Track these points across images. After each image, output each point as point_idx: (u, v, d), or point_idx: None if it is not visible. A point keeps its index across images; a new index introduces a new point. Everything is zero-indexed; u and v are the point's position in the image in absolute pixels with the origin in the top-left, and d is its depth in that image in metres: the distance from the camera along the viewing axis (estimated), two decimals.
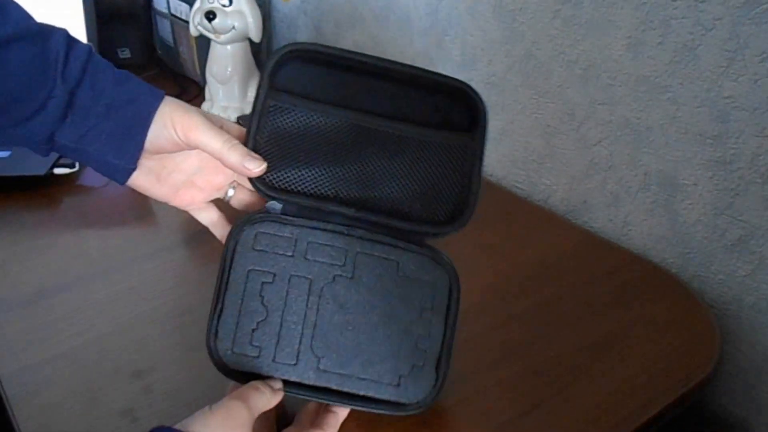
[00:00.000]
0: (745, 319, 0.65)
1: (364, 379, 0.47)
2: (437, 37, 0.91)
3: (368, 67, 0.48)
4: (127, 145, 0.46)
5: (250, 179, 0.48)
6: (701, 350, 0.59)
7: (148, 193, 0.50)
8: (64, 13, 1.04)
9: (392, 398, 0.47)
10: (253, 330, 0.47)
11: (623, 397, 0.54)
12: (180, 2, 1.09)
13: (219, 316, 0.47)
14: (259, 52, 1.12)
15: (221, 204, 0.53)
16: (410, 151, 0.49)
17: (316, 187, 0.48)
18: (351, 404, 0.47)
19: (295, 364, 0.47)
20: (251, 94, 1.05)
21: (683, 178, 0.67)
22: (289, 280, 0.47)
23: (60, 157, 0.86)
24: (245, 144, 0.48)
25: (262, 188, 0.48)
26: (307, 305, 0.47)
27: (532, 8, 0.77)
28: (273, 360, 0.47)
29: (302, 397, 0.47)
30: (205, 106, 1.06)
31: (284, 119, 0.48)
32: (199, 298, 0.60)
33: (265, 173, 0.48)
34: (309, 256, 0.48)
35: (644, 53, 0.67)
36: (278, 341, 0.47)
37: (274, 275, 0.47)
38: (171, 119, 0.46)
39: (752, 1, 0.57)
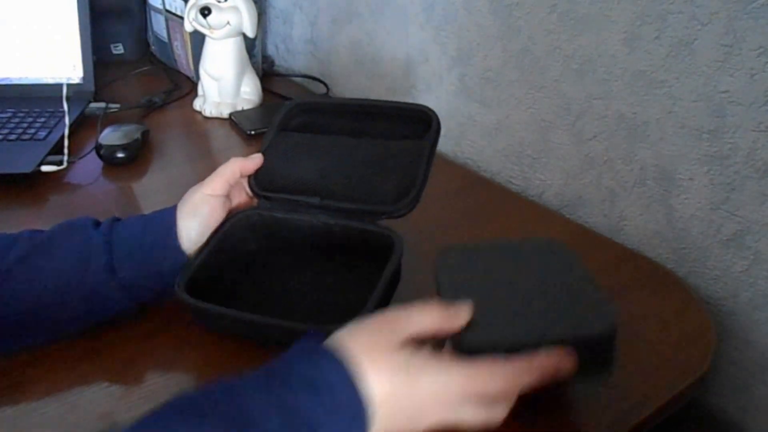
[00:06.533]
0: (741, 315, 0.65)
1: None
2: (433, 31, 0.90)
3: (344, 107, 0.68)
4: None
5: (250, 186, 0.62)
6: (697, 347, 0.58)
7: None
8: (58, 7, 1.03)
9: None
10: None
11: (618, 396, 0.53)
12: None
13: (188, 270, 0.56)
14: (252, 47, 1.12)
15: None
16: (369, 157, 0.62)
17: (294, 187, 0.62)
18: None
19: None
20: (244, 89, 1.04)
21: (679, 173, 0.67)
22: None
23: (48, 154, 0.85)
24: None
25: (256, 190, 0.62)
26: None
27: (528, 3, 0.76)
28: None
29: None
30: (197, 102, 1.05)
31: (279, 146, 0.65)
32: None
33: (259, 180, 0.62)
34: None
35: (640, 48, 0.66)
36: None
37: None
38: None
39: None
